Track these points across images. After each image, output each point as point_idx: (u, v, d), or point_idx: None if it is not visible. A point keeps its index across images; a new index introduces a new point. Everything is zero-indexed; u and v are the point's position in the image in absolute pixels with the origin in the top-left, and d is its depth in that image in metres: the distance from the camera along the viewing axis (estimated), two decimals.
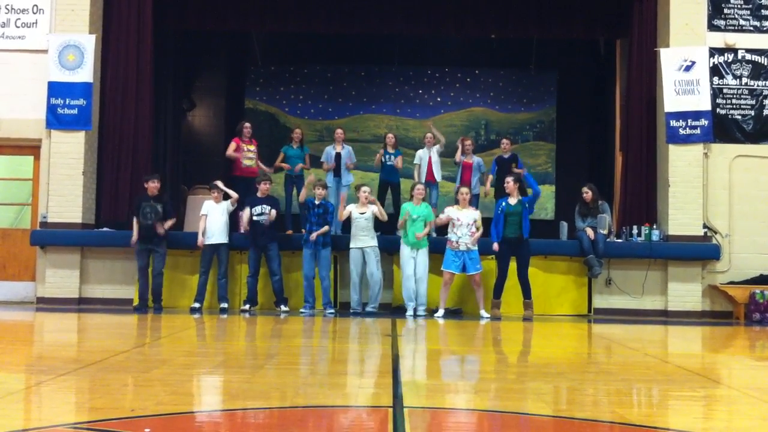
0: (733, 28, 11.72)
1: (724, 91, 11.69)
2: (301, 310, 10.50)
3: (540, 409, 4.46)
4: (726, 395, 5.25)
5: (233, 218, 11.07)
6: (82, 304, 11.07)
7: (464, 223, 10.21)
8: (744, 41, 11.68)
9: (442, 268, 10.35)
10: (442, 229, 10.73)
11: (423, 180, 11.60)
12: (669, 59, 11.45)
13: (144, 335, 8.40)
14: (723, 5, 11.70)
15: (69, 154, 11.27)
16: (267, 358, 6.53)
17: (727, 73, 11.68)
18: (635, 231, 11.37)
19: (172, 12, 12.54)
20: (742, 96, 11.67)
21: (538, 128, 15.50)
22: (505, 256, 10.44)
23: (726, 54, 11.69)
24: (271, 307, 10.74)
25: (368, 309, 10.49)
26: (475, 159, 11.91)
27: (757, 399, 4.87)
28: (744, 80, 11.68)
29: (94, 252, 11.34)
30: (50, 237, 11.17)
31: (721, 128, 11.59)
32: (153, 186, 10.71)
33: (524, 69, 15.23)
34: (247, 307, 10.54)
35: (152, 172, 11.15)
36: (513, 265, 10.50)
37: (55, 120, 11.30)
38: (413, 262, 10.34)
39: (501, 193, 11.01)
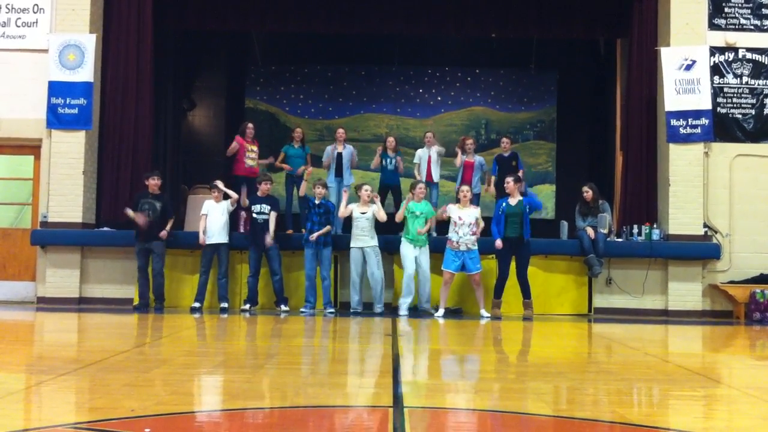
0: (733, 27, 11.71)
1: (725, 90, 11.68)
2: (302, 309, 10.50)
3: (540, 409, 4.46)
4: (726, 395, 5.25)
5: (233, 218, 11.07)
6: (82, 304, 11.07)
7: (465, 222, 10.21)
8: (744, 40, 11.68)
9: (442, 268, 10.35)
10: (443, 229, 10.73)
11: (423, 180, 11.61)
12: (669, 58, 11.44)
13: (144, 335, 8.40)
14: (723, 4, 11.70)
15: (69, 154, 11.28)
16: (267, 358, 6.53)
17: (728, 72, 11.68)
18: (635, 230, 11.37)
19: (172, 12, 12.54)
20: (742, 95, 11.67)
21: (539, 128, 15.50)
22: (506, 255, 10.43)
23: (726, 53, 11.69)
24: (271, 307, 10.75)
25: (375, 310, 10.47)
26: (477, 158, 11.91)
27: (758, 398, 4.87)
28: (744, 79, 11.68)
29: (95, 252, 11.34)
30: (50, 237, 11.18)
31: (722, 127, 11.58)
32: (153, 183, 10.71)
33: (524, 68, 15.23)
34: (247, 306, 10.54)
35: (152, 170, 11.17)
36: (513, 265, 10.49)
37: (56, 120, 11.31)
38: (415, 259, 10.33)
39: (501, 192, 11.01)
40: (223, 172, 12.26)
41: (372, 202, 10.54)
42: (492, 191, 11.76)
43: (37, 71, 11.47)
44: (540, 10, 12.71)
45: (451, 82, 15.68)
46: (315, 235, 10.38)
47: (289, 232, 11.33)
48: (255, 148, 11.67)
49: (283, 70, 15.62)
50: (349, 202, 10.85)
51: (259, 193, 10.70)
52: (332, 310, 10.57)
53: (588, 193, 11.18)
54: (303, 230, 10.72)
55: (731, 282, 11.30)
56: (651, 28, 11.99)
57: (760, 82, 11.67)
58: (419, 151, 12.01)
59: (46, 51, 11.39)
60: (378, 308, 10.50)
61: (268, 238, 10.46)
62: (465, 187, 10.60)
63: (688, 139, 11.41)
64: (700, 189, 11.40)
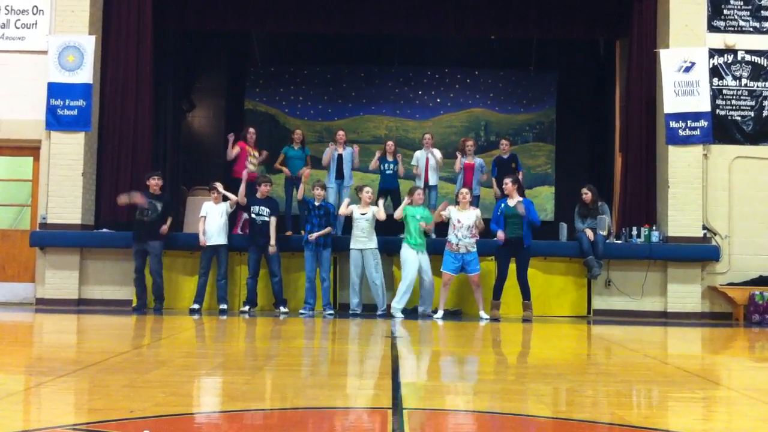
0: (732, 29, 11.72)
1: (724, 92, 11.69)
2: (301, 311, 10.49)
3: (539, 411, 4.46)
4: (725, 396, 5.25)
5: (232, 219, 11.07)
6: (81, 305, 11.06)
7: (464, 225, 10.20)
8: (744, 42, 11.68)
9: (441, 269, 10.35)
10: (443, 231, 10.73)
11: (422, 182, 11.63)
12: (669, 60, 11.45)
13: (143, 336, 8.40)
14: (723, 6, 11.70)
15: (68, 155, 11.27)
16: (266, 360, 6.53)
17: (727, 74, 11.68)
18: (635, 232, 11.37)
19: (172, 13, 12.54)
20: (741, 97, 11.67)
21: (538, 129, 15.50)
22: (505, 257, 10.43)
23: (726, 55, 11.69)
24: (270, 309, 10.74)
25: (378, 313, 10.46)
26: (477, 160, 11.91)
27: (757, 400, 4.87)
28: (744, 81, 11.68)
29: (94, 253, 11.33)
30: (50, 238, 11.17)
31: (721, 129, 11.59)
32: (154, 183, 10.70)
33: (524, 69, 15.23)
34: (246, 308, 10.53)
35: (154, 170, 11.17)
36: (512, 266, 10.49)
37: (55, 121, 11.30)
38: (418, 263, 10.31)
39: (500, 193, 11.01)
40: (223, 173, 12.25)
41: (375, 204, 10.54)
42: (498, 193, 11.63)
43: (37, 72, 11.46)
44: (540, 10, 12.71)
45: (450, 84, 15.69)
46: (315, 235, 10.39)
47: (289, 233, 11.32)
48: (256, 154, 11.68)
49: (282, 71, 15.62)
50: (351, 201, 10.85)
51: (258, 195, 10.69)
52: (331, 311, 10.57)
53: (587, 194, 11.18)
54: (302, 232, 10.72)
55: (730, 284, 11.30)
56: (650, 29, 12.00)
57: (759, 84, 11.68)
58: (417, 153, 12.00)
59: (45, 52, 11.39)
60: (381, 311, 10.47)
61: (271, 248, 10.46)
62: (464, 190, 10.60)
63: (687, 140, 11.42)
64: (699, 191, 11.40)
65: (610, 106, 14.36)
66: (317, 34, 13.85)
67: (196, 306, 10.53)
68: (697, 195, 11.38)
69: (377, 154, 11.87)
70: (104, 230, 11.35)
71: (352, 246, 10.50)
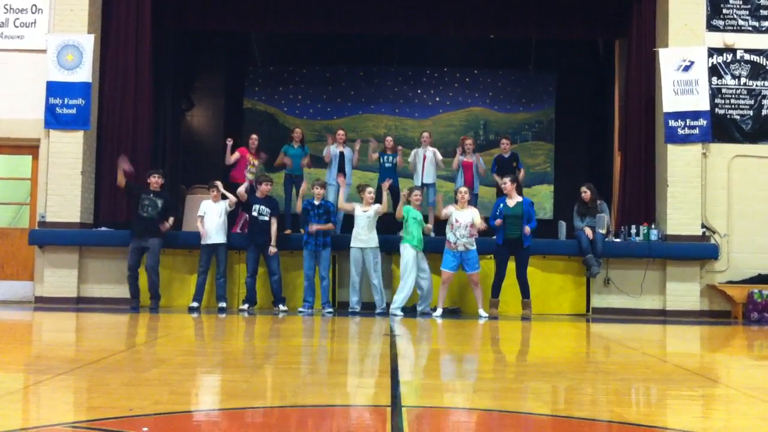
0: (731, 28, 11.73)
1: (723, 91, 11.69)
2: (300, 309, 10.50)
3: (538, 409, 4.47)
4: (724, 394, 5.25)
5: (231, 218, 11.06)
6: (80, 304, 11.06)
7: (463, 224, 10.20)
8: (743, 41, 11.69)
9: (440, 268, 10.35)
10: (442, 229, 10.73)
11: (419, 181, 11.64)
12: (668, 59, 11.45)
13: (142, 335, 8.40)
14: (722, 5, 11.71)
15: (67, 154, 11.27)
16: (265, 358, 6.53)
17: (726, 73, 11.69)
18: (634, 230, 11.37)
19: (171, 12, 12.54)
20: (740, 96, 11.68)
21: (537, 128, 15.51)
22: (504, 255, 10.44)
23: (725, 54, 11.70)
24: (269, 307, 10.75)
25: (377, 312, 10.45)
26: (474, 158, 11.90)
27: (756, 398, 4.87)
28: (743, 80, 11.69)
29: (93, 251, 11.33)
30: (49, 236, 11.17)
31: (720, 128, 11.59)
32: (154, 180, 10.67)
33: (523, 69, 15.23)
34: (245, 306, 10.53)
35: (156, 168, 11.16)
36: (511, 265, 10.50)
37: (54, 120, 11.30)
38: (416, 262, 10.31)
39: (501, 192, 11.00)
40: (222, 173, 12.23)
41: (378, 202, 10.55)
42: (500, 180, 11.40)
43: (36, 71, 11.46)
44: (539, 10, 12.72)
45: (449, 83, 15.69)
46: (315, 227, 10.37)
47: (288, 231, 11.32)
48: (256, 162, 11.67)
49: (281, 71, 15.62)
50: (351, 200, 10.85)
51: (258, 194, 10.69)
52: (330, 309, 10.57)
53: (586, 193, 11.18)
54: (302, 230, 10.71)
55: (729, 282, 11.31)
56: (650, 28, 12.00)
57: (758, 83, 11.69)
58: (415, 151, 11.99)
59: (44, 51, 11.39)
60: (379, 310, 10.47)
61: (272, 249, 10.46)
62: (463, 189, 10.59)
63: (686, 139, 11.43)
64: (698, 189, 11.41)
65: (609, 105, 14.37)
66: (317, 33, 13.85)
67: (195, 304, 10.53)
68: (696, 194, 11.39)
69: (371, 145, 11.85)
70: (103, 229, 11.35)
71: (352, 244, 10.50)
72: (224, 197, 10.77)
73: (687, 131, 11.42)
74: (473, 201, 11.20)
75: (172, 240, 10.93)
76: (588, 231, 10.95)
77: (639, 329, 9.59)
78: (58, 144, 11.31)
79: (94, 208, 11.60)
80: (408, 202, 10.50)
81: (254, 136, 11.89)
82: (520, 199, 10.48)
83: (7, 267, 11.66)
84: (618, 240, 11.51)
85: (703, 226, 11.40)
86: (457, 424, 4.18)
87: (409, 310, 10.48)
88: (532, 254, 10.61)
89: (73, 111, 11.29)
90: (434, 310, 10.38)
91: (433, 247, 10.65)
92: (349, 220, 11.40)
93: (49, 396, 4.62)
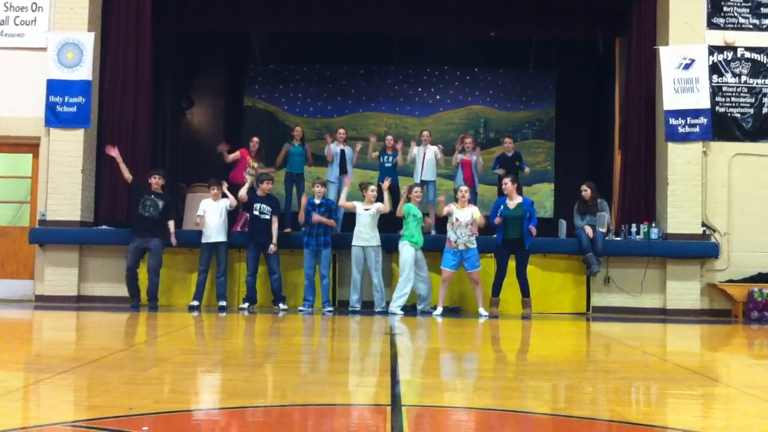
0: (732, 26, 11.71)
1: (724, 89, 11.68)
2: (300, 308, 10.50)
3: (538, 408, 4.47)
4: (724, 393, 5.25)
5: (232, 216, 11.05)
6: (80, 302, 11.07)
7: (463, 222, 10.19)
8: (743, 39, 11.68)
9: (441, 267, 10.35)
10: (443, 228, 10.73)
11: (419, 178, 11.63)
12: (668, 57, 11.44)
13: (142, 333, 8.40)
14: (722, 3, 11.70)
15: (68, 152, 11.27)
16: (265, 357, 6.53)
17: (727, 71, 11.68)
18: (634, 229, 11.37)
19: (172, 10, 12.54)
20: (741, 94, 11.67)
21: (537, 126, 15.50)
22: (505, 255, 10.44)
23: (725, 52, 11.69)
24: (269, 306, 10.74)
25: (376, 311, 10.45)
26: (473, 156, 11.89)
27: (756, 397, 4.87)
28: (743, 78, 11.68)
29: (93, 250, 11.33)
30: (49, 235, 11.17)
31: (720, 126, 11.58)
32: (155, 181, 10.65)
33: (523, 67, 15.23)
34: (246, 305, 10.53)
35: (157, 168, 11.16)
36: (512, 264, 10.50)
37: (54, 118, 11.30)
38: (415, 261, 10.31)
39: (502, 191, 10.99)
40: (222, 171, 12.22)
41: (380, 201, 10.54)
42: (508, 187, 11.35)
43: (36, 70, 11.46)
44: (539, 9, 12.71)
45: (449, 81, 15.69)
46: (317, 217, 10.35)
47: (288, 230, 11.32)
48: (256, 165, 11.66)
49: (281, 69, 15.61)
50: (352, 198, 10.85)
51: (259, 192, 10.69)
52: (331, 308, 10.57)
53: (586, 191, 11.18)
54: (303, 228, 10.70)
55: (729, 281, 11.30)
56: (650, 27, 11.99)
57: (759, 81, 11.67)
58: (415, 149, 11.98)
59: (44, 49, 11.38)
60: (379, 309, 10.47)
61: (272, 247, 10.46)
62: (464, 188, 10.58)
63: (686, 138, 11.42)
64: (698, 188, 11.40)
65: (609, 103, 14.36)
66: (316, 33, 13.84)
67: (195, 303, 10.53)
68: (697, 192, 11.38)
69: (371, 140, 11.85)
70: (103, 227, 11.35)
71: (354, 243, 10.49)
72: (224, 195, 10.77)
73: (687, 129, 11.41)
74: (473, 199, 11.19)
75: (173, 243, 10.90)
76: (588, 230, 10.94)
77: (639, 328, 9.59)
78: (58, 142, 11.31)
79: (95, 207, 11.60)
80: (408, 200, 10.49)
81: (255, 139, 11.88)
82: (520, 199, 10.47)
83: (7, 265, 11.66)
84: (618, 238, 11.50)
85: (703, 224, 11.39)
86: (457, 424, 4.18)
87: (409, 309, 10.48)
88: (532, 253, 10.61)
89: (74, 109, 11.28)
90: (434, 308, 10.38)
91: (434, 245, 10.65)
92: (348, 219, 11.40)
93: (50, 395, 4.62)
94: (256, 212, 10.56)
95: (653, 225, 11.37)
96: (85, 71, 11.29)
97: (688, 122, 11.39)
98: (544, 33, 13.25)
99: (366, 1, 12.67)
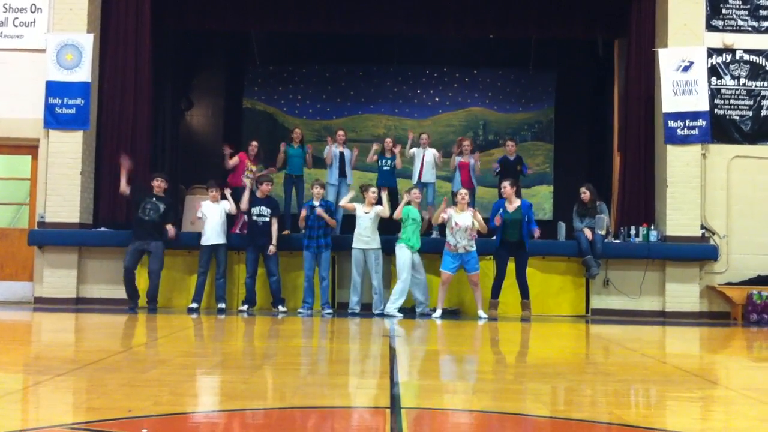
0: (731, 28, 11.72)
1: (722, 91, 11.69)
2: (299, 310, 10.50)
3: (538, 410, 4.47)
4: (724, 396, 5.25)
5: (231, 219, 11.04)
6: (79, 304, 11.05)
7: (462, 227, 10.19)
8: (742, 41, 11.69)
9: (440, 269, 10.34)
10: (442, 231, 10.73)
11: (415, 179, 11.64)
12: (667, 59, 11.45)
13: (141, 335, 8.39)
14: (721, 5, 11.71)
15: (67, 154, 11.26)
16: (265, 359, 6.52)
17: (725, 74, 11.69)
18: (633, 231, 11.37)
19: (171, 11, 12.54)
20: (740, 96, 11.68)
21: (537, 128, 15.51)
22: (504, 257, 10.44)
23: (724, 54, 11.70)
24: (269, 308, 10.74)
25: (375, 313, 10.45)
26: (471, 159, 11.88)
27: (755, 400, 4.88)
28: (742, 81, 11.69)
29: (92, 252, 11.32)
30: (48, 237, 11.16)
31: (719, 129, 11.59)
32: (157, 184, 10.65)
33: (523, 69, 15.23)
34: (245, 307, 10.53)
35: (160, 171, 11.16)
36: (511, 266, 10.50)
37: (53, 119, 11.29)
38: (411, 263, 10.30)
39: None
40: (221, 173, 12.22)
41: (378, 203, 10.54)
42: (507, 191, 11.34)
43: (35, 71, 11.45)
44: (539, 10, 12.73)
45: (449, 83, 15.69)
46: (320, 210, 10.35)
47: (286, 232, 11.31)
48: (254, 168, 11.67)
49: (281, 70, 15.61)
50: (352, 200, 10.86)
51: (258, 194, 10.68)
52: (330, 310, 10.56)
53: (586, 194, 11.18)
54: (302, 231, 10.69)
55: (728, 283, 11.31)
56: (649, 28, 12.00)
57: (758, 83, 11.69)
58: (414, 150, 11.97)
59: (43, 51, 11.38)
60: (379, 310, 10.46)
61: (272, 248, 10.46)
62: (463, 190, 10.56)
63: (685, 140, 11.43)
64: (697, 190, 11.40)
65: (608, 105, 14.37)
66: (316, 33, 13.85)
67: (194, 305, 10.52)
68: (696, 194, 11.39)
69: (374, 147, 11.88)
70: (102, 229, 11.34)
71: (354, 245, 10.49)
72: (224, 196, 10.77)
73: (686, 132, 11.42)
74: (472, 202, 11.17)
75: (172, 241, 10.89)
76: (587, 232, 10.95)
77: (638, 330, 9.59)
78: (57, 144, 11.30)
79: (94, 209, 11.59)
80: (408, 203, 10.48)
81: (254, 143, 11.89)
82: (519, 202, 10.47)
83: (6, 267, 11.65)
84: (617, 241, 11.50)
85: (702, 227, 11.39)
86: (456, 426, 4.18)
87: (409, 311, 10.48)
88: (531, 255, 10.61)
89: (73, 111, 11.28)
90: (434, 311, 10.37)
91: (433, 247, 10.65)
92: (347, 221, 11.40)
93: (48, 397, 4.61)
94: (254, 217, 10.55)
95: (652, 227, 11.38)
96: (84, 73, 11.29)
97: (687, 124, 11.40)
98: (543, 33, 13.26)
99: (366, 1, 12.68)
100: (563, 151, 15.29)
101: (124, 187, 10.57)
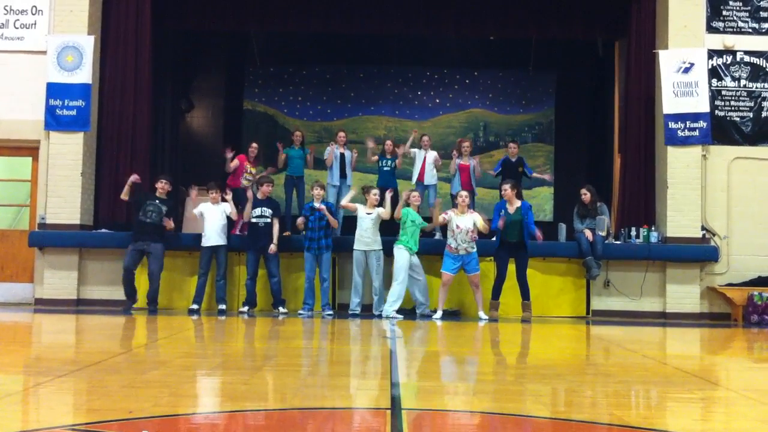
0: (731, 30, 11.73)
1: (723, 92, 11.70)
2: (300, 311, 10.50)
3: (538, 411, 4.46)
4: (724, 397, 5.25)
5: (231, 220, 11.04)
6: (80, 306, 11.05)
7: (463, 229, 10.18)
8: (742, 43, 11.70)
9: (441, 270, 10.34)
10: (445, 232, 10.73)
11: (415, 179, 11.63)
12: (668, 61, 11.46)
13: (142, 337, 8.39)
14: (722, 7, 11.71)
15: (67, 155, 11.26)
16: (265, 360, 6.52)
17: (726, 75, 11.69)
18: (634, 232, 11.37)
19: (171, 12, 12.54)
20: (740, 98, 11.68)
21: (537, 130, 15.51)
22: (504, 258, 10.44)
23: (724, 56, 11.70)
24: (269, 309, 10.74)
25: (376, 314, 10.45)
26: (471, 161, 11.87)
27: (755, 401, 4.88)
28: (742, 82, 11.69)
29: (93, 253, 11.32)
30: (48, 238, 11.16)
31: (720, 130, 11.59)
32: (161, 186, 10.66)
33: (523, 70, 15.22)
34: (245, 308, 10.53)
35: (164, 173, 11.17)
36: (512, 267, 10.49)
37: (54, 121, 11.30)
38: (409, 265, 10.30)
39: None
40: (221, 174, 12.23)
41: (380, 205, 10.54)
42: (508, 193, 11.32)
43: (36, 73, 11.46)
44: (539, 11, 12.73)
45: (449, 84, 15.69)
46: (318, 206, 10.35)
47: (287, 233, 11.30)
48: (254, 171, 11.67)
49: (281, 72, 15.62)
50: (352, 200, 10.86)
51: (259, 195, 10.68)
52: (330, 312, 10.56)
53: (586, 195, 11.18)
54: (303, 232, 10.69)
55: (729, 284, 11.31)
56: (649, 29, 12.01)
57: (758, 85, 11.69)
58: (415, 150, 11.96)
59: (44, 52, 11.39)
60: (378, 311, 10.46)
61: (273, 246, 10.46)
62: (464, 193, 10.54)
63: (686, 141, 11.43)
64: (698, 191, 11.41)
65: (608, 106, 14.37)
66: (316, 34, 13.85)
67: (194, 306, 10.52)
68: (696, 196, 11.39)
69: (370, 145, 11.84)
70: (103, 230, 11.35)
71: (356, 247, 10.48)
72: (224, 199, 10.77)
73: (687, 133, 11.42)
74: (472, 204, 11.16)
75: (173, 242, 10.91)
76: (588, 233, 10.95)
77: (639, 331, 9.59)
78: (57, 145, 11.31)
79: (94, 210, 11.60)
80: (407, 204, 10.48)
81: (254, 145, 11.91)
82: (519, 204, 10.46)
83: (6, 269, 11.65)
84: (618, 242, 11.50)
85: (703, 228, 11.39)
86: (457, 427, 4.18)
87: (409, 313, 10.48)
88: (532, 256, 10.61)
89: (73, 112, 11.28)
90: (434, 312, 10.37)
91: (433, 249, 10.65)
92: (347, 223, 11.39)
93: (49, 398, 4.61)
94: (255, 217, 10.55)
95: (653, 228, 11.38)
96: (84, 74, 11.30)
97: (688, 126, 11.40)
98: (543, 34, 13.25)
99: (366, 1, 12.68)
100: (563, 153, 15.29)
101: (124, 195, 10.58)
